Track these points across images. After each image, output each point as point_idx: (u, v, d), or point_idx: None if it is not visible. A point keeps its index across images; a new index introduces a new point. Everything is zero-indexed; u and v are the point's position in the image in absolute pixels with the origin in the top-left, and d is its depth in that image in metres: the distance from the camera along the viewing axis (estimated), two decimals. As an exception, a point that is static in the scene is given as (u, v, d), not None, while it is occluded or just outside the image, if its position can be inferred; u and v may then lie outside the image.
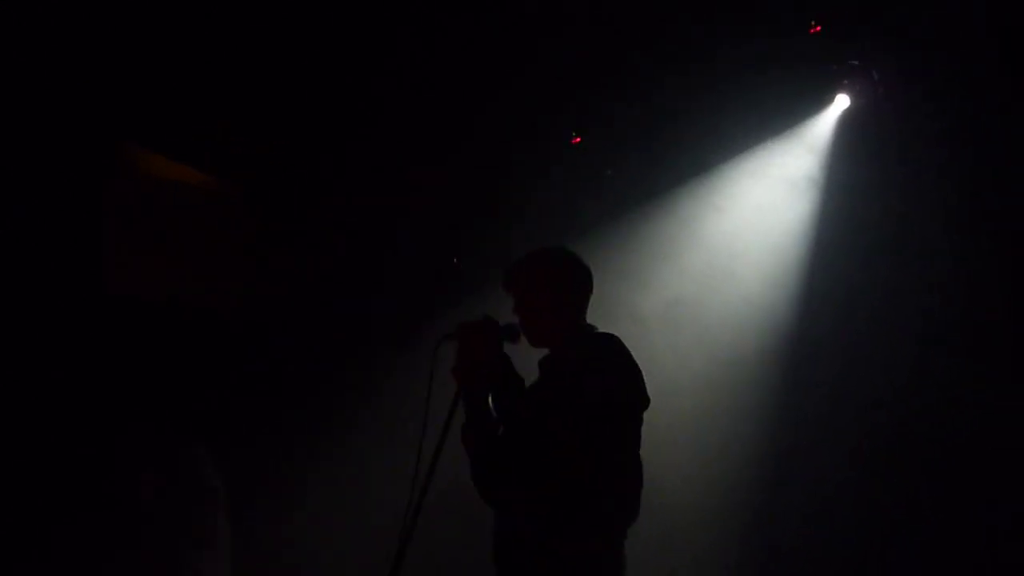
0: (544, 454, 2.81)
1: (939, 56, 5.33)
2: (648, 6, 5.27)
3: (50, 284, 4.66)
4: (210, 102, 5.06)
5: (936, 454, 5.36)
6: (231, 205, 5.55)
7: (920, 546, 5.35)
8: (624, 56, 5.65)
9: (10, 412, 4.49)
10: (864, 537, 5.58)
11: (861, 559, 5.54)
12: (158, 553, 4.51)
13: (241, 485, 5.08)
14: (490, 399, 3.02)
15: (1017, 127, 5.21)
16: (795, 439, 5.87)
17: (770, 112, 6.00)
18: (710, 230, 6.32)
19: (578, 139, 6.30)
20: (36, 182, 4.62)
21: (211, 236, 5.49)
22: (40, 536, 4.45)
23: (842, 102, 5.95)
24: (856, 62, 5.75)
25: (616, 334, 3.16)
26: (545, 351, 3.19)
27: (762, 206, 6.24)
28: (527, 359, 3.23)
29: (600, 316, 3.29)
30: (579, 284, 3.22)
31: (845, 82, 5.87)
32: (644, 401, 3.09)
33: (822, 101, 6.00)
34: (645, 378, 3.10)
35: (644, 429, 3.12)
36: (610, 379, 2.98)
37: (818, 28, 5.48)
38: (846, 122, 5.98)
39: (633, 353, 3.13)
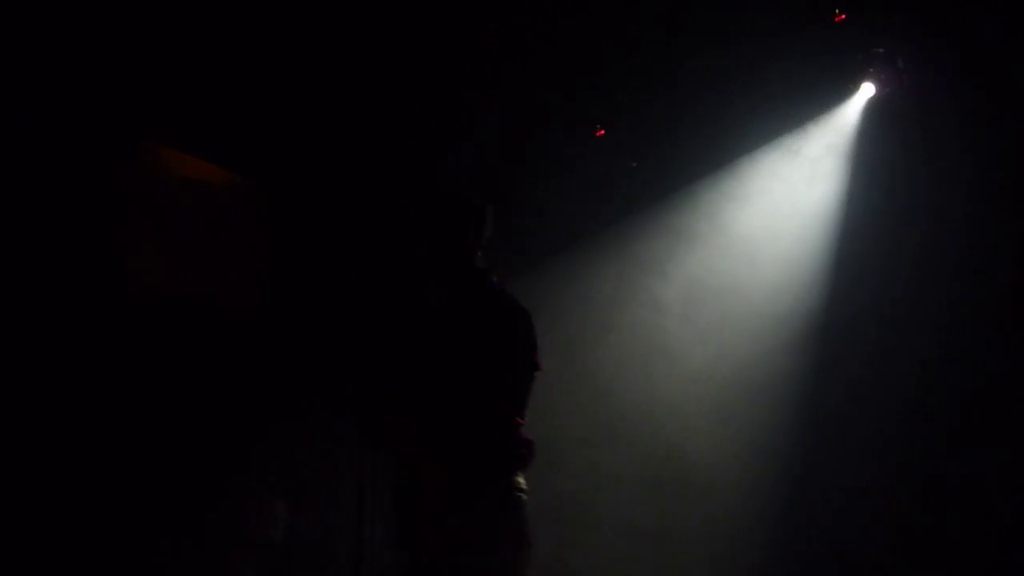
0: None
1: (964, 43, 5.28)
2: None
3: (68, 279, 4.69)
4: (226, 97, 5.10)
5: (967, 442, 5.31)
6: (248, 200, 5.57)
7: (948, 539, 5.30)
8: (649, 48, 5.64)
9: (16, 405, 4.52)
10: (893, 526, 5.54)
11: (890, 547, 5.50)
12: None
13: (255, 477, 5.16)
14: None
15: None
16: (819, 431, 5.85)
17: (795, 101, 5.98)
18: (733, 219, 6.31)
19: (602, 131, 6.30)
20: (53, 178, 4.63)
21: (227, 231, 5.51)
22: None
23: (867, 90, 5.91)
24: (881, 50, 5.71)
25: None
26: None
27: (786, 195, 6.22)
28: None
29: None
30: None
31: (870, 70, 5.83)
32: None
33: (847, 90, 5.96)
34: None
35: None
36: None
37: (842, 16, 5.45)
38: (872, 110, 5.93)
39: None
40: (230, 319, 5.44)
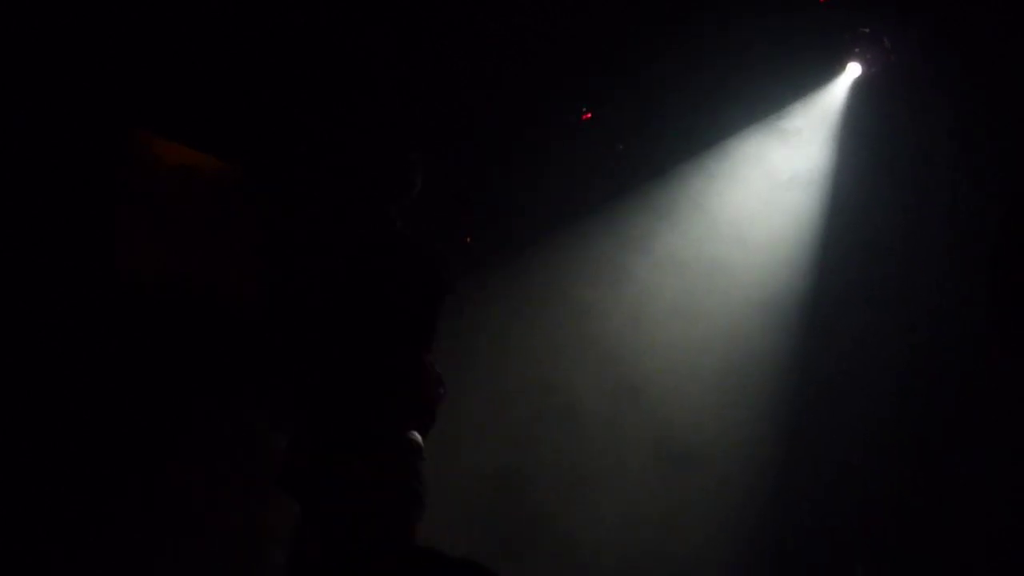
0: None
1: (950, 24, 5.32)
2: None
3: (64, 276, 4.63)
4: (221, 89, 5.03)
5: (956, 418, 5.40)
6: (243, 192, 5.51)
7: (937, 513, 5.41)
8: (634, 30, 5.63)
9: (12, 402, 4.47)
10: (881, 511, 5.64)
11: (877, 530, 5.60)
12: None
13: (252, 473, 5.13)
14: None
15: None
16: (809, 408, 5.93)
17: (782, 81, 5.99)
18: (720, 199, 6.34)
19: (588, 114, 6.29)
20: (47, 170, 4.57)
21: (222, 224, 5.45)
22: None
23: (854, 70, 5.95)
24: (867, 30, 5.74)
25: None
26: None
27: (772, 175, 6.25)
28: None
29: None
30: None
31: (857, 50, 5.87)
32: None
33: (834, 70, 5.99)
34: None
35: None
36: None
37: (828, -4, 5.48)
38: (858, 90, 5.97)
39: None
40: (228, 315, 5.38)
